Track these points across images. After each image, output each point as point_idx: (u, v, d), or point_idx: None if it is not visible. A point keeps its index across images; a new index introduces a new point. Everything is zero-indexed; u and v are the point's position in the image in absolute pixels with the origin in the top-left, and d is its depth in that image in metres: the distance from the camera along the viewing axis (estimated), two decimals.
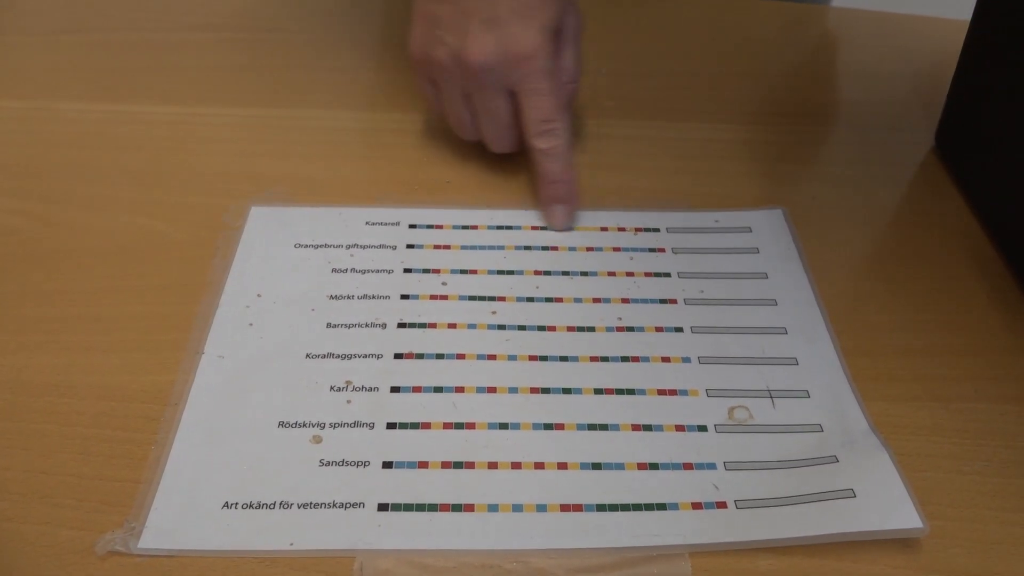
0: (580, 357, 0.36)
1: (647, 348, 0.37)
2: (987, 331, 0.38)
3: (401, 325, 0.37)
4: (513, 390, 0.35)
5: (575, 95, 0.44)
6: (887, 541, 0.30)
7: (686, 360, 0.36)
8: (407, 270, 0.40)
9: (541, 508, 0.31)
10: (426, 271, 0.40)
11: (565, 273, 0.40)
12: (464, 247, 0.41)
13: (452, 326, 0.37)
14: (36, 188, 0.43)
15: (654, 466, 0.32)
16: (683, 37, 0.57)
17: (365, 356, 0.36)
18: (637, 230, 0.42)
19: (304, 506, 0.30)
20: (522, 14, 0.39)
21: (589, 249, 0.41)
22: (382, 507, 0.31)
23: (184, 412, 0.33)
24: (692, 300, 0.39)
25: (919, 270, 0.41)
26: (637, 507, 0.31)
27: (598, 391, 0.35)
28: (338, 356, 0.36)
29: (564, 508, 0.31)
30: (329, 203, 0.43)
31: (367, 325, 0.37)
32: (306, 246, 0.41)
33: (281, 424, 0.33)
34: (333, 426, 0.33)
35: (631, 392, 0.35)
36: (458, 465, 0.32)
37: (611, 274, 0.40)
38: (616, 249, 0.41)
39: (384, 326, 0.37)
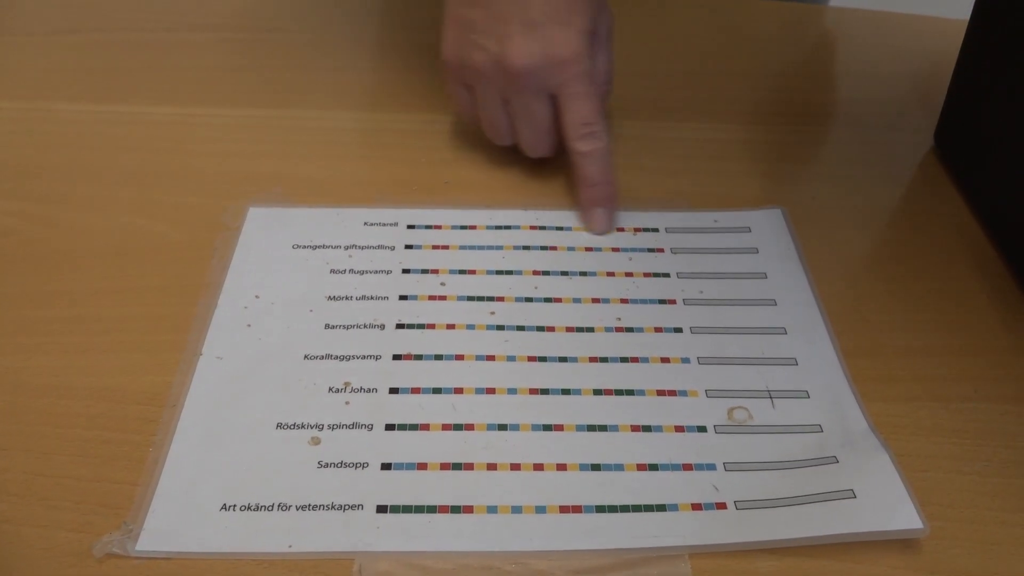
0: (579, 358, 0.36)
1: (646, 349, 0.37)
2: (987, 331, 0.38)
3: (400, 326, 0.37)
4: (512, 391, 0.35)
5: (609, 97, 0.44)
6: (887, 542, 0.30)
7: (685, 360, 0.36)
8: (405, 271, 0.40)
9: (540, 509, 0.31)
10: (424, 272, 0.40)
11: (564, 273, 0.40)
12: (463, 247, 0.41)
13: (451, 327, 0.37)
14: (34, 189, 0.43)
15: (653, 467, 0.32)
16: (681, 37, 0.57)
17: (363, 357, 0.36)
18: (636, 230, 0.42)
19: (302, 508, 0.30)
20: (560, 17, 0.39)
21: (588, 249, 0.41)
22: (381, 509, 0.30)
23: (182, 413, 0.33)
24: (691, 300, 0.39)
25: (919, 270, 0.41)
26: (636, 508, 0.31)
27: (597, 392, 0.35)
28: (336, 357, 0.36)
29: (563, 509, 0.31)
30: (327, 204, 0.43)
31: (365, 326, 0.37)
32: (304, 247, 0.40)
33: (279, 426, 0.33)
34: (331, 427, 0.33)
35: (630, 393, 0.35)
36: (457, 466, 0.32)
37: (610, 274, 0.40)
38: (615, 249, 0.41)
39: (383, 327, 0.37)
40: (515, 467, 0.32)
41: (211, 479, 0.31)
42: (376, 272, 0.39)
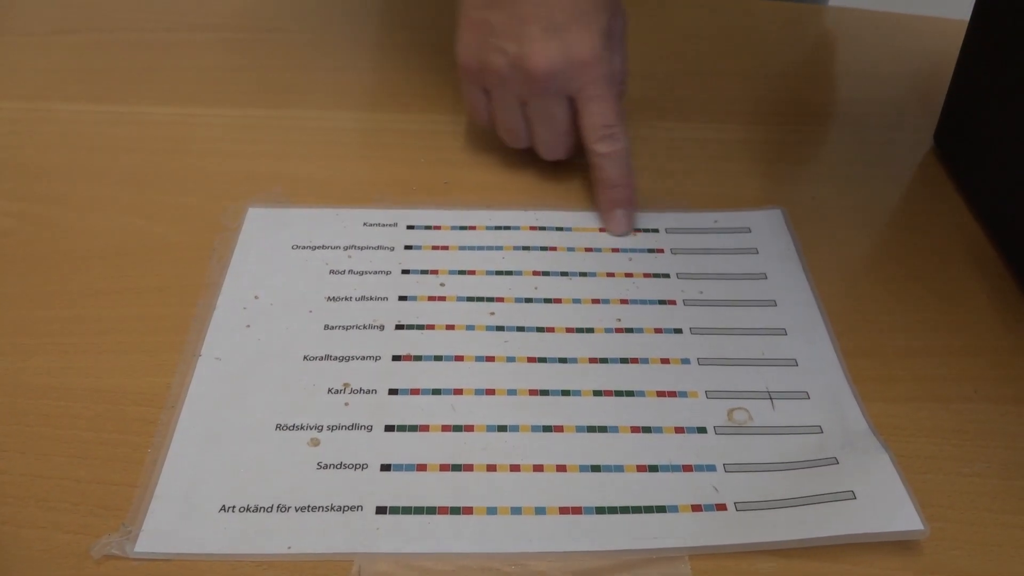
0: (579, 358, 0.36)
1: (646, 349, 0.36)
2: (987, 331, 0.38)
3: (399, 327, 0.37)
4: (512, 392, 0.35)
5: (624, 96, 0.44)
6: (887, 543, 0.30)
7: (685, 361, 0.36)
8: (405, 271, 0.40)
9: (540, 511, 0.31)
10: (424, 272, 0.39)
11: (564, 274, 0.40)
12: (462, 248, 0.41)
13: (450, 327, 0.37)
14: (32, 189, 0.43)
15: (653, 468, 0.32)
16: (681, 37, 0.57)
17: (363, 358, 0.36)
18: (636, 231, 0.42)
19: (302, 509, 0.30)
20: (580, 19, 0.39)
21: (588, 250, 0.41)
22: (380, 510, 0.30)
23: (181, 415, 0.33)
24: (691, 301, 0.39)
25: (918, 270, 0.41)
26: (636, 509, 0.31)
27: (597, 393, 0.35)
28: (336, 358, 0.35)
29: (563, 511, 0.31)
30: (327, 204, 0.43)
31: (365, 327, 0.37)
32: (304, 247, 0.40)
33: (279, 427, 0.33)
34: (331, 428, 0.33)
35: (630, 394, 0.35)
36: (456, 468, 0.32)
37: (610, 275, 0.40)
38: (615, 250, 0.41)
39: (382, 328, 0.37)
40: (514, 468, 0.32)
41: (210, 480, 0.31)
42: (375, 273, 0.39)
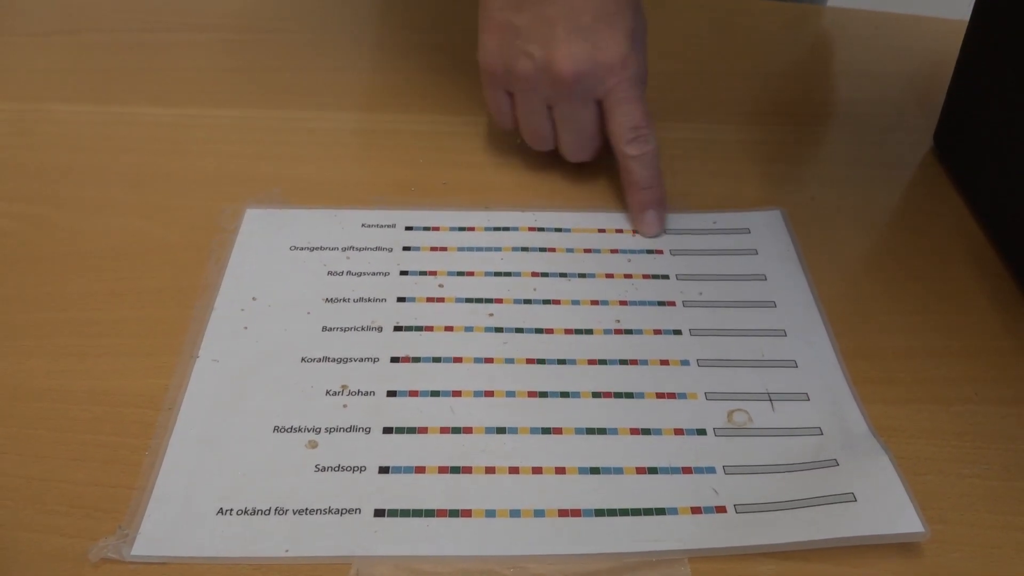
0: (578, 360, 0.36)
1: (645, 351, 0.36)
2: (987, 332, 0.38)
3: (397, 328, 0.37)
4: (511, 394, 0.34)
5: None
6: (887, 545, 0.30)
7: (685, 363, 0.36)
8: (403, 272, 0.39)
9: (539, 513, 0.31)
10: (422, 273, 0.39)
11: (563, 275, 0.40)
12: (461, 249, 0.41)
13: (449, 329, 0.37)
14: (29, 190, 0.43)
15: (653, 470, 0.32)
16: (680, 37, 0.57)
17: (361, 360, 0.35)
18: (635, 232, 0.42)
19: (299, 512, 0.30)
20: (606, 21, 0.39)
21: (587, 251, 0.41)
22: (378, 513, 0.30)
23: (178, 417, 0.33)
24: (691, 302, 0.39)
25: (918, 271, 0.41)
26: (636, 512, 0.31)
27: (596, 394, 0.35)
28: (334, 360, 0.35)
29: (562, 513, 0.31)
30: (325, 205, 0.43)
31: (363, 328, 0.37)
32: (302, 248, 0.40)
33: (276, 429, 0.33)
34: (329, 431, 0.33)
35: (629, 395, 0.35)
36: (455, 470, 0.32)
37: (609, 276, 0.40)
38: (614, 251, 0.41)
39: (380, 329, 0.37)
40: (513, 470, 0.32)
41: (208, 483, 0.31)
42: (374, 274, 0.39)
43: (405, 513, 0.30)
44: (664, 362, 0.36)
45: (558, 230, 0.42)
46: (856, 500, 0.31)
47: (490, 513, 0.30)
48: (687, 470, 0.32)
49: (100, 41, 0.54)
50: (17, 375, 0.34)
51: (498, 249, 0.41)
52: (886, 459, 0.32)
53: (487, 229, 0.42)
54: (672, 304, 0.39)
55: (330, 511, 0.30)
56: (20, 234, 0.41)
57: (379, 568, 0.29)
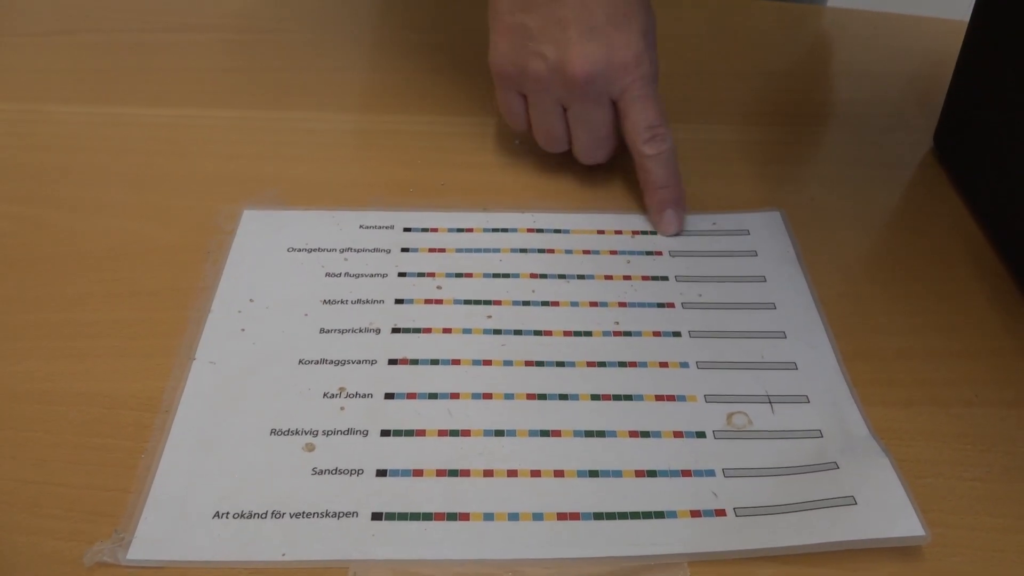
0: (577, 362, 0.36)
1: (644, 353, 0.36)
2: (987, 334, 0.38)
3: (395, 330, 0.37)
4: (509, 396, 0.34)
5: None
6: (888, 549, 0.30)
7: (684, 365, 0.36)
8: (401, 274, 0.39)
9: (537, 517, 0.30)
10: (421, 275, 0.39)
11: (561, 276, 0.39)
12: (459, 250, 0.41)
13: (447, 331, 0.37)
14: (26, 191, 0.43)
15: (652, 473, 0.32)
16: (679, 37, 0.57)
17: (359, 362, 0.35)
18: (634, 233, 0.42)
19: (296, 515, 0.30)
20: (619, 21, 0.39)
21: (586, 252, 0.41)
22: (376, 516, 0.30)
23: (175, 419, 0.33)
24: (690, 304, 0.39)
25: (918, 272, 0.41)
26: (635, 515, 0.30)
27: (595, 397, 0.34)
28: (331, 362, 0.35)
29: (561, 517, 0.30)
30: (323, 206, 0.43)
31: (361, 330, 0.36)
32: (299, 250, 0.40)
33: (273, 431, 0.33)
34: (326, 433, 0.33)
35: (628, 398, 0.34)
36: (453, 473, 0.32)
37: (608, 278, 0.40)
38: (613, 252, 0.41)
39: (378, 331, 0.37)
40: (512, 474, 0.32)
41: (204, 486, 0.31)
42: (372, 275, 0.39)
43: (403, 516, 0.30)
44: (663, 364, 0.36)
45: (557, 231, 0.42)
46: (856, 503, 0.30)
47: (488, 516, 0.30)
48: (686, 473, 0.32)
49: (98, 41, 0.54)
50: (13, 377, 0.34)
51: (497, 250, 0.41)
52: (886, 462, 0.32)
53: (486, 230, 0.42)
54: (671, 306, 0.38)
55: (327, 514, 0.30)
56: (17, 235, 0.40)
57: (376, 572, 0.29)
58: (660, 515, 0.31)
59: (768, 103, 0.52)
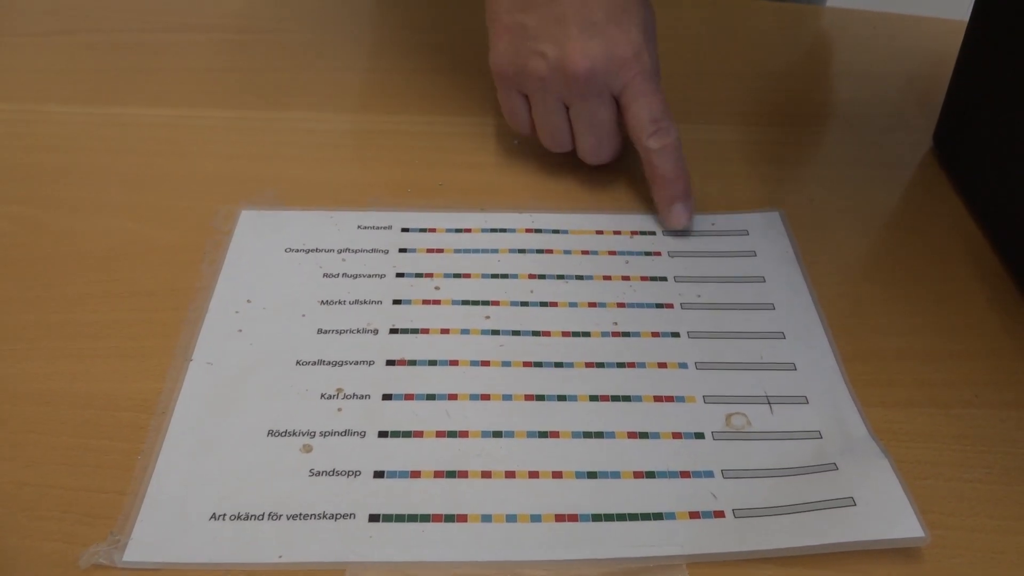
0: (575, 363, 0.36)
1: (643, 353, 0.36)
2: (987, 335, 0.38)
3: (393, 331, 0.36)
4: (507, 397, 0.34)
5: None
6: (888, 550, 0.30)
7: (683, 366, 0.36)
8: (399, 274, 0.39)
9: (535, 518, 0.30)
10: (419, 275, 0.39)
11: (560, 277, 0.39)
12: (457, 251, 0.40)
13: (445, 332, 0.37)
14: (23, 192, 0.43)
15: (650, 474, 0.32)
16: (677, 37, 0.57)
17: (356, 363, 0.35)
18: (633, 233, 0.42)
19: (293, 517, 0.30)
20: (618, 17, 0.38)
21: (584, 252, 0.41)
22: (373, 518, 0.30)
23: (171, 421, 0.33)
24: (689, 304, 0.38)
25: (918, 272, 0.41)
26: (633, 517, 0.30)
27: (593, 398, 0.34)
28: (329, 363, 0.35)
29: (559, 518, 0.30)
30: (320, 206, 0.42)
31: (359, 331, 0.36)
32: (297, 250, 0.40)
33: (270, 433, 0.32)
34: (324, 435, 0.32)
35: (627, 399, 0.34)
36: (451, 474, 0.31)
37: (607, 278, 0.39)
38: (612, 253, 0.41)
39: (376, 332, 0.36)
40: (510, 475, 0.31)
41: (201, 488, 0.31)
42: (370, 276, 0.39)
43: (400, 518, 0.30)
44: (662, 365, 0.36)
45: (556, 232, 0.42)
46: (855, 504, 0.30)
47: (486, 518, 0.30)
48: (685, 474, 0.32)
49: (95, 42, 0.54)
50: (10, 378, 0.34)
51: (495, 251, 0.40)
52: (886, 463, 0.32)
53: (484, 231, 0.41)
54: (670, 306, 0.38)
55: (324, 516, 0.30)
56: (14, 235, 0.40)
57: (374, 574, 0.29)
58: (659, 516, 0.30)
59: (767, 103, 0.52)
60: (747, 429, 0.33)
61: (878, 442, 0.33)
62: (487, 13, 0.41)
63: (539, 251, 0.41)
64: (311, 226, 0.41)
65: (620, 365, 0.36)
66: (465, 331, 0.37)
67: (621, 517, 0.30)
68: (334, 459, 0.32)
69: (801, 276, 0.40)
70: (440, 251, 0.40)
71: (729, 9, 0.60)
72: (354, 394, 0.34)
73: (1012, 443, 0.34)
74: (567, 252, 0.41)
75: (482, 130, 0.48)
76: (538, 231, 0.42)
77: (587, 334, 0.37)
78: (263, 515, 0.30)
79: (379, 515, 0.30)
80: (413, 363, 0.35)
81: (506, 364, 0.35)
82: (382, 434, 0.33)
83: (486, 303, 0.38)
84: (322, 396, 0.34)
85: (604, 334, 0.37)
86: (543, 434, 0.33)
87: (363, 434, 0.33)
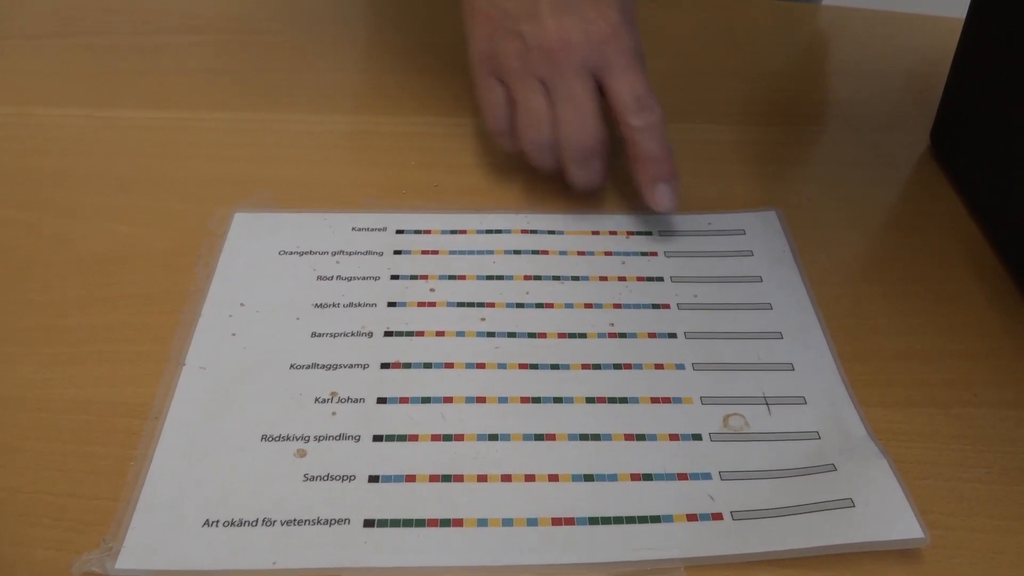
0: (571, 365, 0.35)
1: (640, 355, 0.36)
2: (986, 334, 0.38)
3: (388, 333, 0.36)
4: (503, 399, 0.34)
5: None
6: (887, 551, 0.30)
7: (680, 367, 0.35)
8: (394, 277, 0.39)
9: (532, 522, 0.30)
10: (413, 277, 0.39)
11: (556, 278, 0.39)
12: (453, 252, 0.40)
13: (440, 334, 0.36)
14: (15, 195, 0.43)
15: (648, 477, 0.32)
16: (673, 36, 0.57)
17: (351, 366, 0.35)
18: (629, 233, 0.42)
19: (287, 523, 0.30)
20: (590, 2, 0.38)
21: (580, 253, 0.40)
22: (368, 523, 0.30)
23: (164, 426, 0.32)
24: (685, 305, 0.38)
25: (916, 272, 0.41)
26: (631, 520, 0.30)
27: (590, 400, 0.34)
28: (323, 366, 0.35)
29: (556, 522, 0.30)
30: (315, 208, 0.42)
31: (353, 334, 0.36)
32: (291, 253, 0.40)
33: (264, 437, 0.32)
34: (318, 439, 0.32)
35: (624, 400, 0.34)
36: (446, 478, 0.31)
37: (603, 279, 0.39)
38: (608, 253, 0.41)
39: (370, 335, 0.36)
40: (506, 478, 0.31)
41: (194, 494, 0.30)
42: (364, 278, 0.39)
43: (395, 523, 0.30)
44: (659, 366, 0.35)
45: (551, 232, 0.41)
46: (854, 506, 0.30)
47: (482, 522, 0.30)
48: (682, 476, 0.32)
49: (87, 44, 0.54)
50: (4, 383, 0.34)
51: (490, 252, 0.40)
52: (885, 463, 0.31)
53: (479, 232, 0.41)
54: (667, 307, 0.38)
55: (319, 522, 0.30)
56: (8, 239, 0.40)
57: None
58: (656, 519, 0.30)
59: (764, 102, 0.52)
60: (745, 430, 0.33)
61: (877, 442, 0.32)
62: (464, 6, 0.41)
63: (535, 252, 0.40)
64: (305, 228, 0.41)
65: (617, 366, 0.35)
66: (460, 333, 0.36)
67: (618, 520, 0.30)
68: (328, 464, 0.31)
69: (798, 276, 0.40)
70: (435, 253, 0.40)
71: (725, 7, 0.60)
72: (348, 398, 0.34)
73: (1012, 442, 0.33)
74: (563, 253, 0.40)
75: (478, 131, 0.48)
76: (533, 232, 0.41)
77: (583, 335, 0.37)
78: (257, 521, 0.30)
79: (374, 520, 0.30)
80: (408, 366, 0.35)
81: (502, 366, 0.35)
82: (377, 438, 0.32)
83: (481, 305, 0.38)
84: (316, 400, 0.34)
85: (600, 335, 0.37)
86: (539, 437, 0.33)
87: (358, 438, 0.32)
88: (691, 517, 0.30)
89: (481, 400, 0.34)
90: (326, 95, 0.50)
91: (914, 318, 0.38)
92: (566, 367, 0.35)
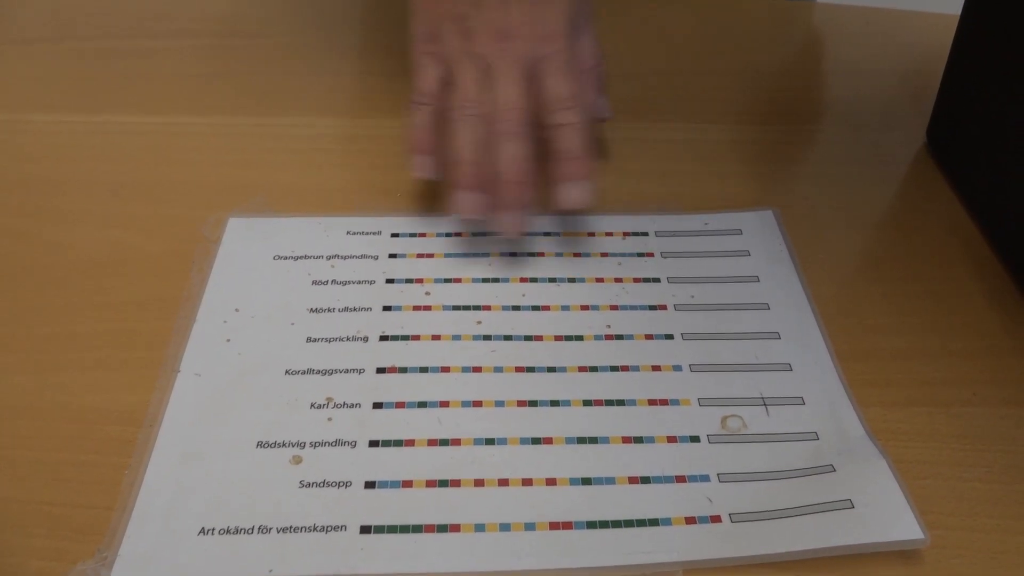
0: (568, 367, 0.35)
1: (637, 356, 0.36)
2: (985, 333, 0.38)
3: (383, 338, 0.36)
4: (499, 403, 0.34)
5: (603, 76, 0.42)
6: (887, 552, 0.29)
7: (677, 368, 0.35)
8: (389, 280, 0.39)
9: (530, 526, 0.30)
10: (409, 281, 0.39)
11: (552, 280, 0.39)
12: (448, 255, 0.40)
13: (436, 338, 0.36)
14: (8, 201, 0.42)
15: (645, 480, 0.31)
16: (668, 35, 0.57)
17: (346, 371, 0.35)
18: (625, 234, 0.41)
19: (283, 530, 0.29)
20: (536, 1, 0.38)
21: (576, 255, 0.40)
22: (365, 529, 0.29)
23: (159, 433, 0.32)
24: (682, 306, 0.38)
25: (913, 270, 0.40)
26: (629, 523, 0.30)
27: (587, 402, 0.34)
28: (318, 372, 0.35)
29: (553, 526, 0.30)
30: (309, 213, 0.42)
31: (348, 339, 0.36)
32: (286, 258, 0.40)
33: (260, 444, 0.32)
34: (314, 445, 0.32)
35: (621, 403, 0.34)
36: (443, 483, 0.31)
37: (599, 280, 0.39)
38: (604, 254, 0.40)
39: (366, 339, 0.36)
40: (503, 483, 0.31)
41: (189, 502, 0.30)
42: (359, 283, 0.38)
43: (392, 529, 0.30)
44: (656, 367, 0.35)
45: (547, 234, 0.41)
46: (854, 507, 0.30)
47: (479, 527, 0.30)
48: (680, 479, 0.31)
49: (80, 50, 0.54)
50: None
51: (486, 255, 0.40)
52: (884, 464, 0.31)
53: (474, 234, 0.41)
54: (663, 308, 0.38)
55: (315, 529, 0.29)
56: (1, 246, 0.40)
57: None
58: (654, 522, 0.30)
59: (759, 101, 0.52)
60: (743, 431, 0.33)
61: (876, 442, 0.32)
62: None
63: (530, 254, 0.40)
64: (299, 233, 0.41)
65: (614, 369, 0.35)
66: (456, 337, 0.36)
67: (616, 524, 0.30)
68: (324, 470, 0.31)
69: (796, 275, 0.40)
70: (430, 256, 0.40)
71: (721, 6, 0.60)
72: (344, 403, 0.33)
73: (1011, 441, 0.33)
74: (559, 255, 0.40)
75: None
76: (529, 234, 0.41)
77: (580, 338, 0.36)
78: (253, 529, 0.29)
79: (371, 526, 0.30)
80: (404, 370, 0.35)
81: (498, 370, 0.35)
82: (373, 443, 0.32)
83: (477, 308, 0.37)
84: (312, 406, 0.33)
85: (597, 337, 0.36)
86: (536, 440, 0.32)
87: (354, 444, 0.32)
88: (689, 520, 0.30)
89: (478, 404, 0.34)
90: (320, 99, 0.50)
91: (912, 317, 0.38)
92: (563, 370, 0.35)
